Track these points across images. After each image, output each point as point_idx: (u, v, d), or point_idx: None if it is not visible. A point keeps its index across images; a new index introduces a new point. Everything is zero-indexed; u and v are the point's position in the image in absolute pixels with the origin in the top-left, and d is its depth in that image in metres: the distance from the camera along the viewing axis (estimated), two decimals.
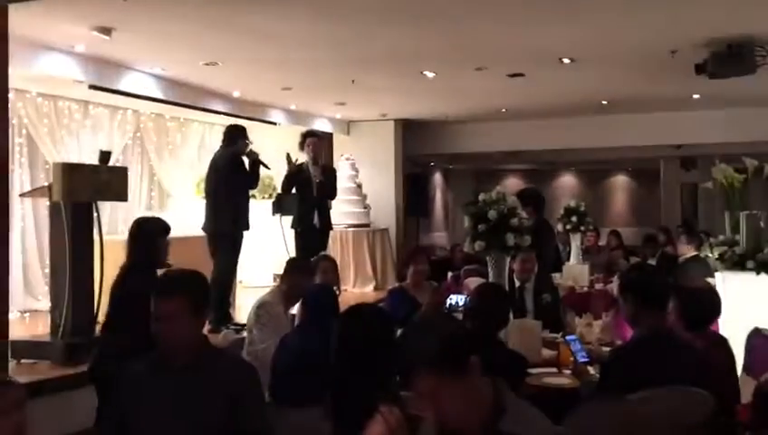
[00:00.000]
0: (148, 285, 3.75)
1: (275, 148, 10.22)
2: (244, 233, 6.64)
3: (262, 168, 6.71)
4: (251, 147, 6.69)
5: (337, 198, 10.50)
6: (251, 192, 7.07)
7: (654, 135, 11.18)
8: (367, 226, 10.25)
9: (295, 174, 7.10)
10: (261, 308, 4.36)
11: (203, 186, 7.07)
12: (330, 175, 7.54)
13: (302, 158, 7.34)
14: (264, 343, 4.14)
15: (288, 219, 7.40)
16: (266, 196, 9.45)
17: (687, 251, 7.11)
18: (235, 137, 6.64)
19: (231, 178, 6.48)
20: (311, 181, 7.22)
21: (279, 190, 7.68)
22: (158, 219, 4.33)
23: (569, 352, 3.91)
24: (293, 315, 4.66)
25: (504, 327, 3.80)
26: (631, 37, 6.30)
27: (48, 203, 5.30)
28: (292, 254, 7.40)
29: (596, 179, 19.86)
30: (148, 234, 4.04)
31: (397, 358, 1.99)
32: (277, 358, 3.59)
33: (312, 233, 7.19)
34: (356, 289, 9.76)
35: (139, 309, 3.72)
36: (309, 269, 4.65)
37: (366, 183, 10.61)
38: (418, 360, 1.84)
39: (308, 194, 7.20)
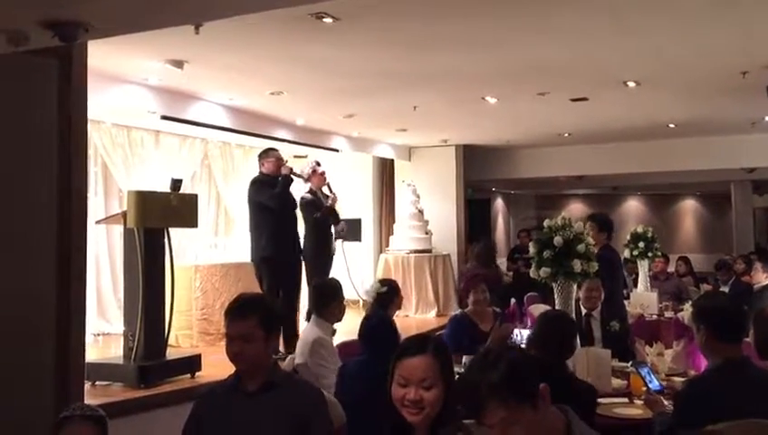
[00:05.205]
0: None
1: (337, 174, 10.32)
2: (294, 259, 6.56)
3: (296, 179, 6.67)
4: (288, 163, 6.63)
5: (399, 223, 10.57)
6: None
7: (724, 158, 10.87)
8: (428, 251, 10.25)
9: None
10: (317, 345, 4.20)
11: None
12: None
13: (304, 184, 7.24)
14: (327, 378, 4.03)
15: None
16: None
17: (763, 279, 6.86)
18: (260, 163, 6.71)
19: (254, 204, 6.54)
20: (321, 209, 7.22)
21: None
22: None
23: (640, 382, 3.81)
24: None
25: (570, 356, 3.73)
26: (699, 59, 6.16)
27: (122, 229, 5.48)
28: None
29: (663, 204, 19.35)
30: None
31: (462, 389, 1.98)
32: (339, 389, 3.59)
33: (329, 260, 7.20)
34: (418, 315, 9.73)
35: None
36: (340, 290, 4.55)
37: (427, 209, 10.64)
38: (488, 390, 1.82)
39: (326, 222, 7.22)
